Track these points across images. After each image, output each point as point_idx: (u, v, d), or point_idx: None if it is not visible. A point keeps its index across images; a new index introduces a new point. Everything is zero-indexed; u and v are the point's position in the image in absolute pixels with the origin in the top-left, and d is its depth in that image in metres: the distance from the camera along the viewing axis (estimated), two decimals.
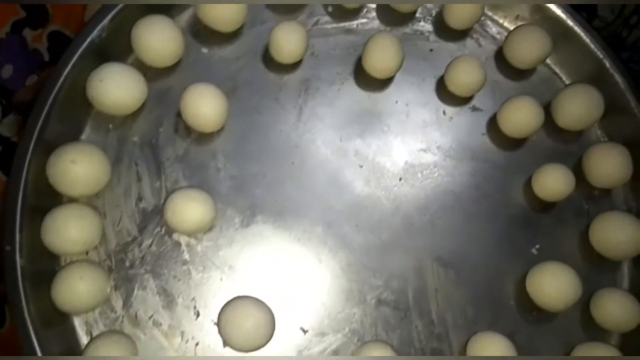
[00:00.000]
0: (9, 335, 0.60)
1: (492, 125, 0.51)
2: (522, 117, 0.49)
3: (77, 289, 0.41)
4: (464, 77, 0.50)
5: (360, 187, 0.49)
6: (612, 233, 0.48)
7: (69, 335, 0.43)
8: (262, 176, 0.48)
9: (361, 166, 0.49)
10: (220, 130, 0.48)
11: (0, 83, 0.65)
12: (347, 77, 0.51)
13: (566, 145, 0.52)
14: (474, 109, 0.52)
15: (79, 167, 0.42)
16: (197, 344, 0.44)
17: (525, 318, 0.48)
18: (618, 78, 0.51)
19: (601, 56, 0.52)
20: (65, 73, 0.45)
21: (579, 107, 0.50)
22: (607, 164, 0.50)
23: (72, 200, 0.45)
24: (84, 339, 0.43)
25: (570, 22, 0.52)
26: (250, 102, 0.49)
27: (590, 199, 0.51)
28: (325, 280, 0.47)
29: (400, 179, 0.49)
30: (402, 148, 0.50)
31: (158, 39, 0.46)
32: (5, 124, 0.65)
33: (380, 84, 0.51)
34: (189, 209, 0.43)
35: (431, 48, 0.53)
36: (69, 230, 0.42)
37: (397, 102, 0.51)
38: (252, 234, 0.47)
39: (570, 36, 0.52)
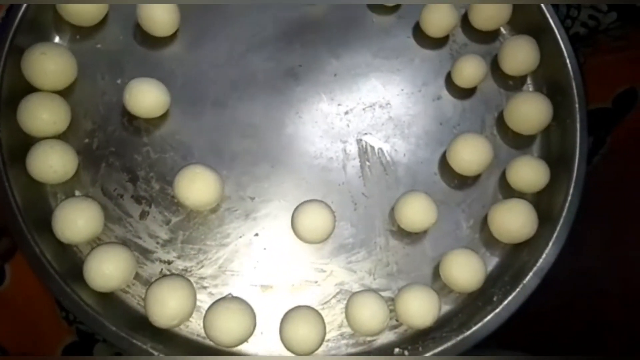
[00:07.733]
0: (8, 293, 0.63)
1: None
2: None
3: (49, 159, 0.48)
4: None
5: None
6: (523, 110, 0.55)
7: (44, 201, 0.50)
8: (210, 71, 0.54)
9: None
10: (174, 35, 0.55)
11: None
12: None
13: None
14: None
15: (48, 59, 0.49)
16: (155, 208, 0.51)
17: (448, 185, 0.54)
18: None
19: None
20: None
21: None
22: (518, 54, 0.56)
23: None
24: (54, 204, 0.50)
25: None
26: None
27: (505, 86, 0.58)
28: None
29: None
30: None
31: None
32: None
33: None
34: (146, 92, 0.50)
35: None
36: (40, 113, 0.48)
37: None
38: (207, 121, 0.53)
39: None
